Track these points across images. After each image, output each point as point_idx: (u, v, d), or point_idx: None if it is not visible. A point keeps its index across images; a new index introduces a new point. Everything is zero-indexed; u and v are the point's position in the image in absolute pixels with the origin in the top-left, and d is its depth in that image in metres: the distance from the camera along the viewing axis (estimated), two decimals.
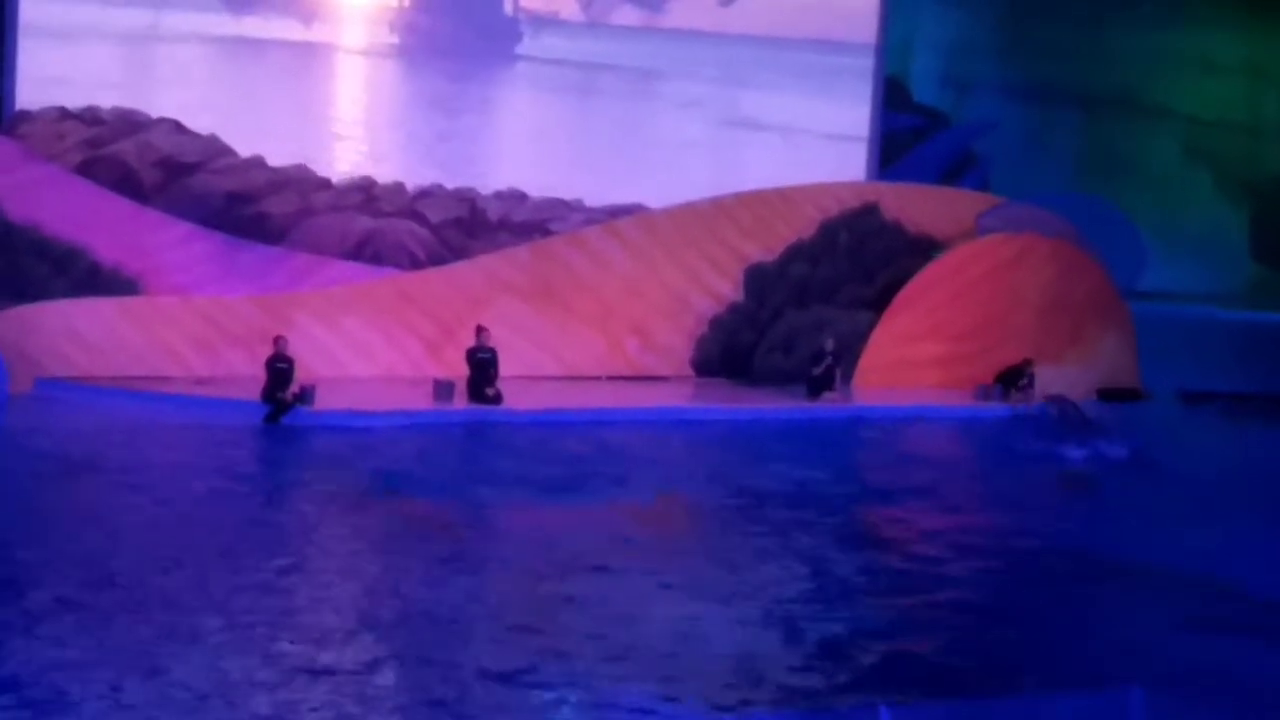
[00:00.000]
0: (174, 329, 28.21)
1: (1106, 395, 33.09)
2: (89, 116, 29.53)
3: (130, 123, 29.62)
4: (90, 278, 28.70)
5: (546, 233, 31.95)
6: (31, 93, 30.00)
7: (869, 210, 33.37)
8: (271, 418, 25.28)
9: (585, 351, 31.02)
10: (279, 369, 25.85)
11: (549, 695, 12.98)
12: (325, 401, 25.79)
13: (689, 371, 32.03)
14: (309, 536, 18.29)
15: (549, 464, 23.34)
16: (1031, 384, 31.44)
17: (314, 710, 12.26)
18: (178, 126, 30.01)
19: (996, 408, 30.98)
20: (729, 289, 32.35)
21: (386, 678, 13.24)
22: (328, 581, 16.27)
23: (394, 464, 22.76)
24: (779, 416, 28.99)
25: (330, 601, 15.42)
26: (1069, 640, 15.40)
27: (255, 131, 30.37)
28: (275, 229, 30.13)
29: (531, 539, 18.57)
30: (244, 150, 30.45)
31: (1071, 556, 19.15)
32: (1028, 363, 31.74)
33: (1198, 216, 47.58)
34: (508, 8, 33.55)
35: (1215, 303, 43.21)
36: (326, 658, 13.52)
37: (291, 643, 13.81)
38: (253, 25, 31.23)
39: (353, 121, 31.91)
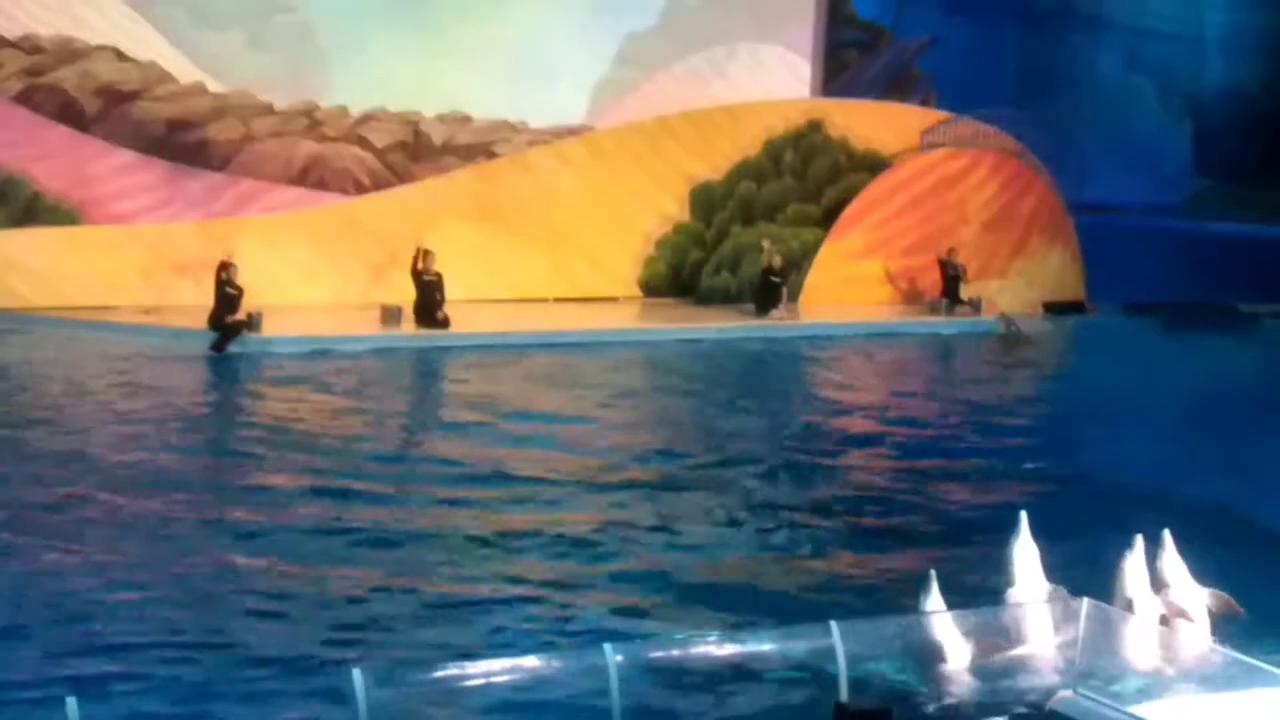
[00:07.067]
0: (118, 258, 28.08)
1: (1052, 308, 33.27)
2: (28, 45, 29.19)
3: (70, 50, 29.30)
4: (32, 208, 28.44)
5: (491, 155, 31.80)
6: None
7: (814, 127, 33.37)
8: (218, 345, 25.16)
9: (532, 274, 30.98)
10: (229, 294, 25.74)
11: (514, 611, 13.09)
12: (272, 327, 25.70)
13: (636, 292, 32.03)
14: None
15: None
16: (962, 275, 31.72)
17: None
18: (117, 54, 29.71)
19: (944, 321, 31.15)
20: (675, 208, 32.34)
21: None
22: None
23: (342, 389, 22.79)
24: (730, 335, 29.03)
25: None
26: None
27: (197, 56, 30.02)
28: (218, 156, 29.88)
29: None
30: (184, 77, 30.17)
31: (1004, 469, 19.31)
32: (952, 252, 31.97)
33: (1141, 129, 47.69)
34: None
35: (1159, 214, 43.36)
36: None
37: None
38: None
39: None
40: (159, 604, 12.97)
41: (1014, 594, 11.57)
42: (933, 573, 11.49)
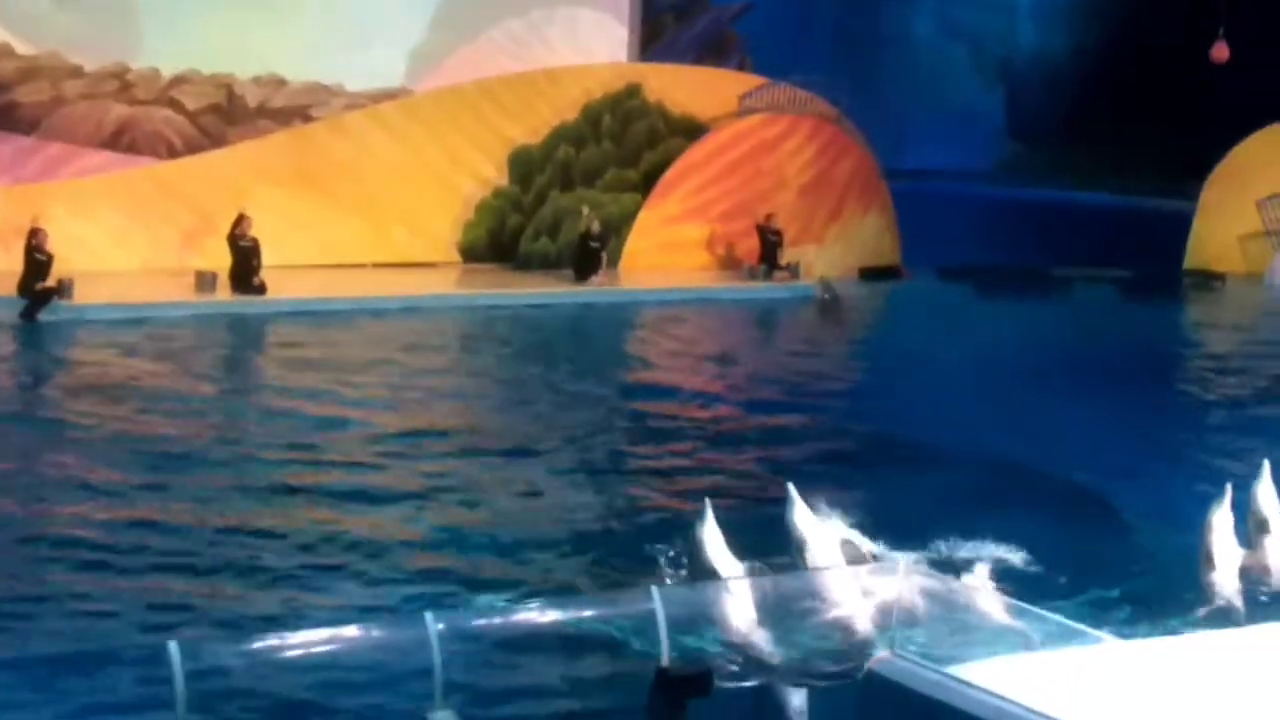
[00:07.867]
0: None
1: (867, 273, 33.59)
2: None
3: None
4: None
5: (307, 119, 31.48)
6: None
7: (631, 92, 33.37)
8: (28, 313, 24.70)
9: (350, 239, 30.69)
10: (38, 260, 25.27)
11: (330, 588, 13.00)
12: (84, 294, 25.26)
13: (455, 257, 31.89)
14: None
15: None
16: (780, 240, 31.90)
17: None
18: None
19: (763, 286, 31.36)
20: (494, 173, 32.22)
21: None
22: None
23: (157, 358, 22.48)
24: (549, 301, 29.04)
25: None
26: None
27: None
28: (26, 119, 29.33)
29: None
30: None
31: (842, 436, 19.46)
32: (770, 217, 32.15)
33: (955, 95, 48.22)
34: None
35: (972, 180, 43.93)
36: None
37: None
38: None
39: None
40: None
41: (809, 556, 11.83)
42: (708, 500, 11.66)
